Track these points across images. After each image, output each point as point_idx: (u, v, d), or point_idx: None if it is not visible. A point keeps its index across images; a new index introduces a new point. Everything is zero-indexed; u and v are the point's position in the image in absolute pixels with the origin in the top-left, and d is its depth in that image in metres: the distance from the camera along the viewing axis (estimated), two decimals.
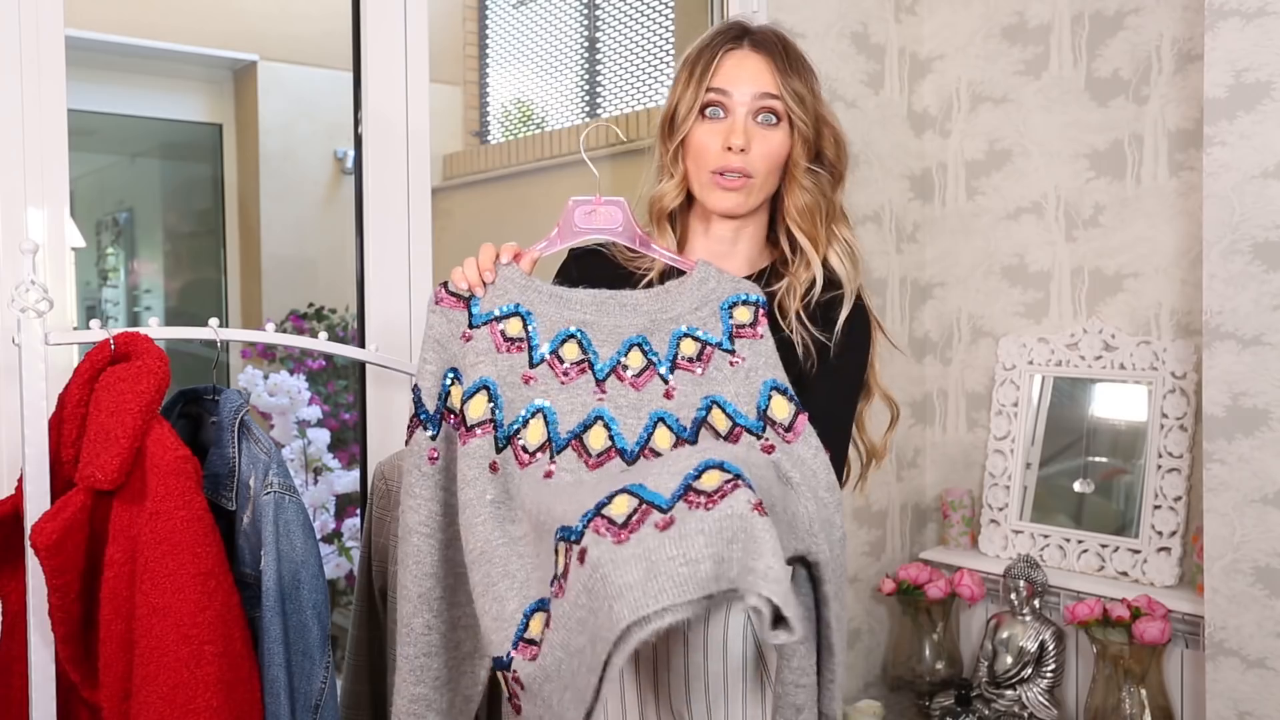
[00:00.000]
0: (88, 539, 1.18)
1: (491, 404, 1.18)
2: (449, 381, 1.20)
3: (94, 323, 1.28)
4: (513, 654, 1.06)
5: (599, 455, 1.17)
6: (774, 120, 1.29)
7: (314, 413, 2.59)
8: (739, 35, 1.32)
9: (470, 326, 1.21)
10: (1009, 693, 2.29)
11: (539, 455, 1.18)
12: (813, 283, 1.31)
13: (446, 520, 1.20)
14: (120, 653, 1.18)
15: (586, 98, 3.57)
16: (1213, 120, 1.88)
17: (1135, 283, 2.34)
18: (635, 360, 1.21)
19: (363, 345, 1.83)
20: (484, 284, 1.23)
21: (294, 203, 3.30)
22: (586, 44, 3.55)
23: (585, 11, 3.58)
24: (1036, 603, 2.30)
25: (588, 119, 3.53)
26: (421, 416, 1.20)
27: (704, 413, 1.19)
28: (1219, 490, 1.89)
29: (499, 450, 1.18)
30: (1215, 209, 1.88)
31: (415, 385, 1.21)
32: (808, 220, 1.32)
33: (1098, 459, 2.42)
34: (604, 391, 1.20)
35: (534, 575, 1.12)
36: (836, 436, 1.27)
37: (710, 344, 1.21)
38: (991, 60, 2.58)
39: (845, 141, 1.36)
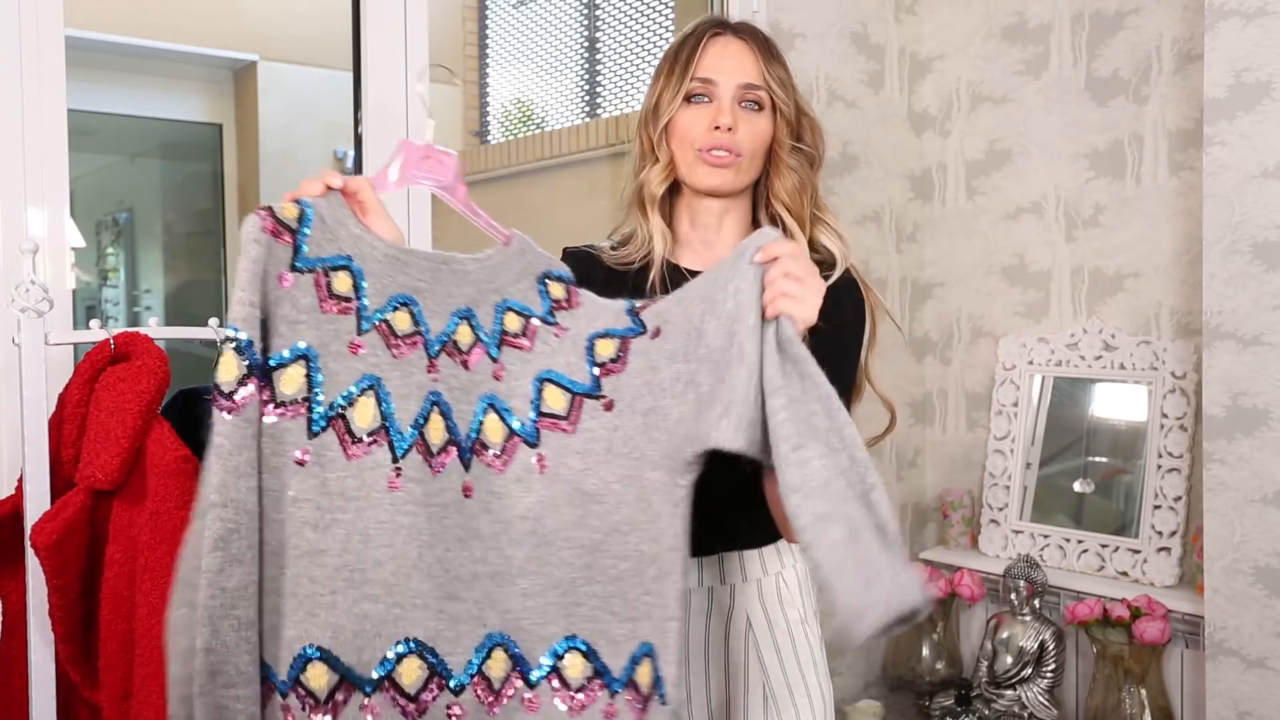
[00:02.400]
0: (88, 539, 1.18)
1: (308, 378, 1.01)
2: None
3: (94, 323, 1.28)
4: (289, 691, 0.99)
5: (439, 453, 1.06)
6: (758, 107, 1.31)
7: None
8: (720, 25, 1.33)
9: (293, 270, 1.02)
10: (1009, 693, 2.29)
11: (372, 446, 1.03)
12: None
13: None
14: (121, 653, 1.18)
15: (586, 98, 3.57)
16: (1213, 120, 1.88)
17: (1135, 283, 2.34)
18: (464, 336, 1.11)
19: None
20: (329, 189, 1.06)
21: None
22: (586, 44, 3.55)
23: (585, 11, 3.58)
24: (1036, 603, 2.30)
25: (588, 119, 3.53)
26: (255, 371, 0.98)
27: (537, 401, 1.11)
28: (1219, 490, 1.89)
29: (312, 435, 1.01)
30: (1215, 209, 1.88)
31: (235, 331, 0.98)
32: (795, 200, 1.33)
33: (1098, 459, 2.42)
34: (436, 371, 1.08)
35: (320, 613, 1.00)
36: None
37: (533, 317, 1.15)
38: (991, 60, 2.58)
39: (821, 128, 1.38)
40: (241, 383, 0.97)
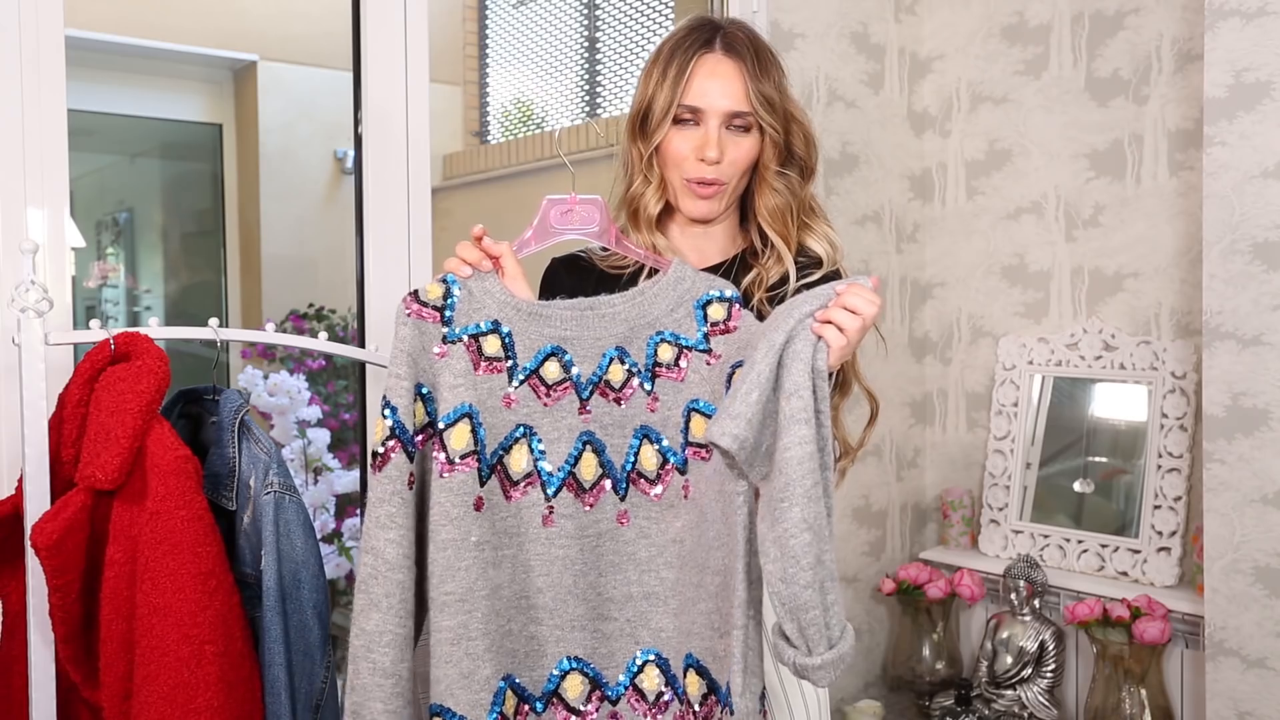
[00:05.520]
0: (88, 539, 1.18)
1: (474, 434, 1.12)
2: (414, 399, 1.12)
3: (94, 323, 1.28)
4: None
5: (592, 488, 1.15)
6: (745, 129, 1.31)
7: (314, 413, 2.59)
8: (710, 38, 1.32)
9: (445, 341, 1.14)
10: (1009, 693, 2.29)
11: (528, 488, 1.14)
12: (783, 276, 1.32)
13: (419, 553, 1.12)
14: (121, 652, 1.18)
15: (586, 98, 3.57)
16: (1213, 120, 1.88)
17: (1135, 283, 2.34)
18: (616, 374, 1.17)
19: (363, 345, 1.83)
20: (484, 263, 1.18)
21: (294, 203, 3.30)
22: (586, 44, 3.55)
23: (585, 11, 3.58)
24: (1036, 603, 2.30)
25: (588, 119, 3.53)
26: (403, 438, 1.09)
27: (686, 430, 1.16)
28: (1219, 490, 1.89)
29: (483, 482, 1.12)
30: (1215, 209, 1.88)
31: (389, 403, 1.10)
32: (779, 221, 1.34)
33: (1098, 459, 2.42)
34: (588, 411, 1.16)
35: (505, 642, 1.12)
36: None
37: (687, 346, 1.18)
38: (991, 60, 2.58)
39: (814, 137, 1.37)
40: (385, 442, 1.09)
